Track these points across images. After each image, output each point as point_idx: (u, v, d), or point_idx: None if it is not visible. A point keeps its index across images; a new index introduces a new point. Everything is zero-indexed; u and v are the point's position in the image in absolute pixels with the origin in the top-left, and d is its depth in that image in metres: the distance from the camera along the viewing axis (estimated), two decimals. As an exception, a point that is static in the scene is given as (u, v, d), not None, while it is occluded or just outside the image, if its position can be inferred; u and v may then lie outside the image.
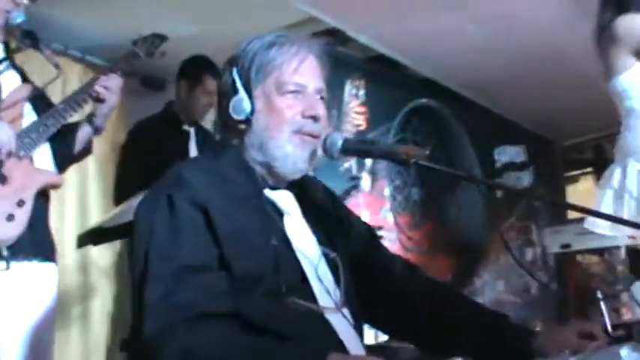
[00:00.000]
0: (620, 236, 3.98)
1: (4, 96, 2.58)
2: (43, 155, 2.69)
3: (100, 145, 3.83)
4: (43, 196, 2.64)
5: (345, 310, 1.74)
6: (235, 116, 1.78)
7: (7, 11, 2.58)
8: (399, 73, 5.42)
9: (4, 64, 2.63)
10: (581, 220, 6.79)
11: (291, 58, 1.78)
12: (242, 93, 1.78)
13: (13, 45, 2.70)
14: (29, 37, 2.65)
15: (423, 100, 5.53)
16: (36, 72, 2.89)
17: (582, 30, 3.24)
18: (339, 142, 1.76)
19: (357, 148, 1.81)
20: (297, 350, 1.48)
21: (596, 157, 7.59)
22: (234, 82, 1.81)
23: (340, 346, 1.63)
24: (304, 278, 1.71)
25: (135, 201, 2.96)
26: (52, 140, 2.71)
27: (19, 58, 2.77)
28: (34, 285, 2.62)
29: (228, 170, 1.76)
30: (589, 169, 7.74)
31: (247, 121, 1.78)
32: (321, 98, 1.82)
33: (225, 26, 4.47)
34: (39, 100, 2.74)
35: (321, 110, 1.79)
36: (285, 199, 1.81)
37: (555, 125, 6.92)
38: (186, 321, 1.48)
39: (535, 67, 5.34)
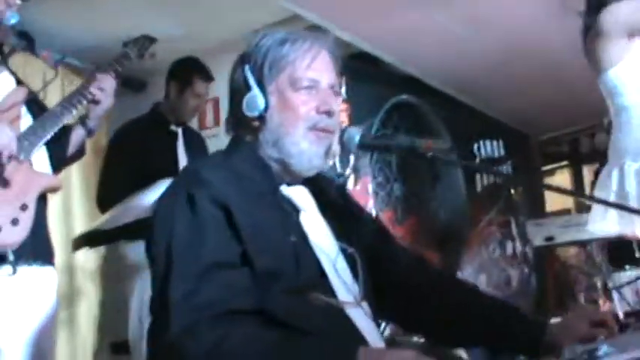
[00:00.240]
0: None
1: (0, 99, 2.55)
2: (40, 158, 2.66)
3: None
4: (42, 200, 2.61)
5: (364, 305, 1.75)
6: (249, 113, 1.77)
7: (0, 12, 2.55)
8: (380, 70, 5.44)
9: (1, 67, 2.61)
10: (562, 212, 6.92)
11: (304, 53, 1.78)
12: (255, 90, 1.77)
13: (6, 47, 2.67)
14: (24, 38, 2.61)
15: (404, 97, 5.54)
16: (26, 74, 2.87)
17: (559, 26, 3.25)
18: (357, 138, 1.77)
19: (375, 143, 1.81)
20: (327, 345, 1.48)
21: (572, 151, 7.69)
22: (246, 78, 1.79)
23: (362, 341, 1.63)
24: (322, 274, 1.71)
25: (130, 203, 2.97)
26: (47, 143, 2.68)
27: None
28: (35, 289, 2.59)
29: (243, 167, 1.76)
30: (565, 163, 7.85)
31: (261, 118, 1.77)
32: (335, 93, 1.82)
33: (209, 26, 4.47)
34: (33, 103, 2.71)
35: (335, 105, 1.79)
36: (300, 195, 1.81)
37: (532, 120, 7.00)
38: (212, 319, 1.47)
39: (513, 64, 5.41)
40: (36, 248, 2.57)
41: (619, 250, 5.15)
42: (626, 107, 2.95)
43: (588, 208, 5.22)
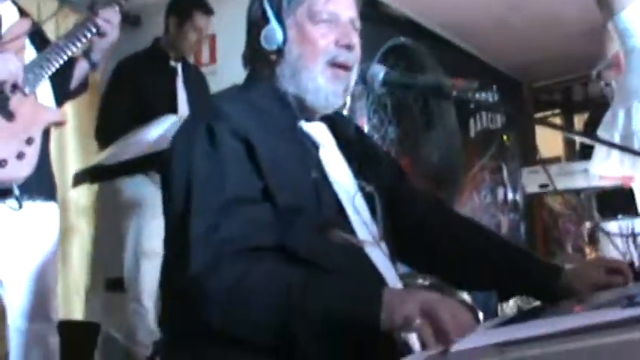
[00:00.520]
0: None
1: (4, 30, 2.48)
2: (44, 91, 2.60)
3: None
4: (45, 135, 2.57)
5: (382, 244, 1.73)
6: (267, 46, 1.73)
7: None
8: (378, 12, 5.36)
9: None
10: (553, 160, 6.94)
11: None
12: (274, 22, 1.73)
13: None
14: None
15: (401, 39, 5.48)
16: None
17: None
18: (381, 75, 1.73)
19: (400, 80, 1.77)
20: (351, 285, 1.45)
21: (565, 99, 7.69)
22: (264, 11, 1.75)
23: (381, 281, 1.62)
24: (342, 211, 1.68)
25: (132, 138, 2.92)
26: (51, 76, 2.62)
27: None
28: (38, 224, 2.57)
29: (262, 101, 1.72)
30: (557, 111, 7.85)
31: (279, 51, 1.73)
32: (354, 28, 1.78)
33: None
34: (36, 35, 2.65)
35: (355, 39, 1.76)
36: (319, 131, 1.78)
37: (526, 67, 6.98)
38: (234, 254, 1.44)
39: (510, 10, 5.36)
40: (40, 183, 2.54)
41: (609, 200, 5.18)
42: (637, 49, 2.96)
43: (579, 157, 5.24)
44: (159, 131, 2.68)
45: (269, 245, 1.50)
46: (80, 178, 3.04)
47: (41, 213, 2.59)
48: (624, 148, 2.62)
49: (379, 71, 1.74)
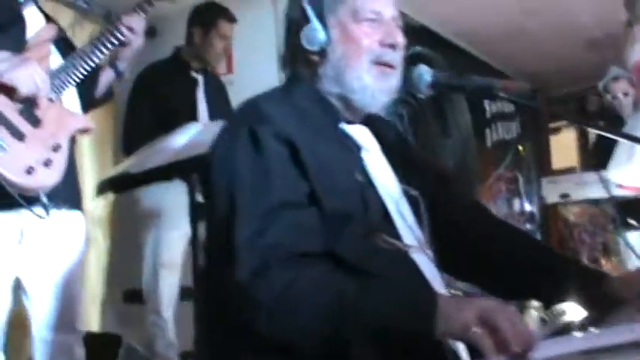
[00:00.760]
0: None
1: (29, 36, 2.45)
2: (70, 98, 2.56)
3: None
4: (72, 142, 2.52)
5: (428, 250, 1.68)
6: (309, 47, 1.69)
7: None
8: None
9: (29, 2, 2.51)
10: (571, 170, 6.90)
11: None
12: (315, 22, 1.69)
13: None
14: None
15: (418, 48, 5.45)
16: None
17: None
18: (428, 77, 1.69)
19: (450, 82, 1.71)
20: (404, 293, 1.40)
21: (579, 109, 7.65)
22: (304, 11, 1.71)
23: (427, 287, 1.56)
24: (387, 216, 1.63)
25: (157, 146, 2.88)
26: (77, 83, 2.58)
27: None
28: (65, 233, 2.53)
29: (303, 103, 1.68)
30: (572, 121, 7.83)
31: (321, 52, 1.69)
32: (398, 26, 1.74)
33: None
34: (62, 41, 2.61)
35: (399, 37, 1.71)
36: (362, 134, 1.73)
37: (541, 77, 6.96)
38: (282, 260, 1.40)
39: (526, 19, 5.35)
40: (66, 191, 2.50)
41: (629, 210, 5.11)
42: None
43: (593, 167, 5.18)
44: (184, 139, 2.64)
45: (316, 251, 1.46)
46: (104, 187, 3.00)
47: (67, 222, 2.55)
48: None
49: (426, 72, 1.69)
